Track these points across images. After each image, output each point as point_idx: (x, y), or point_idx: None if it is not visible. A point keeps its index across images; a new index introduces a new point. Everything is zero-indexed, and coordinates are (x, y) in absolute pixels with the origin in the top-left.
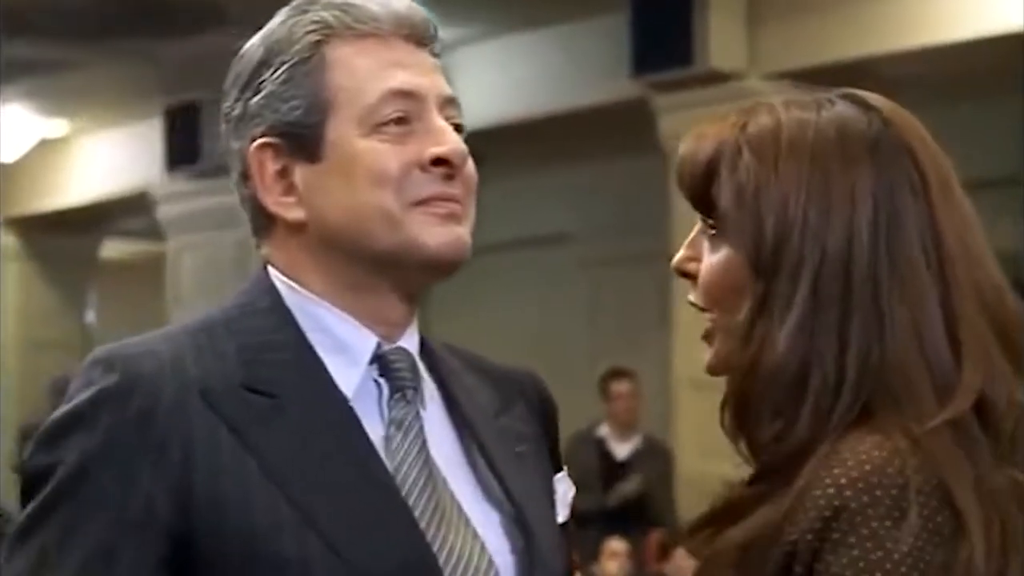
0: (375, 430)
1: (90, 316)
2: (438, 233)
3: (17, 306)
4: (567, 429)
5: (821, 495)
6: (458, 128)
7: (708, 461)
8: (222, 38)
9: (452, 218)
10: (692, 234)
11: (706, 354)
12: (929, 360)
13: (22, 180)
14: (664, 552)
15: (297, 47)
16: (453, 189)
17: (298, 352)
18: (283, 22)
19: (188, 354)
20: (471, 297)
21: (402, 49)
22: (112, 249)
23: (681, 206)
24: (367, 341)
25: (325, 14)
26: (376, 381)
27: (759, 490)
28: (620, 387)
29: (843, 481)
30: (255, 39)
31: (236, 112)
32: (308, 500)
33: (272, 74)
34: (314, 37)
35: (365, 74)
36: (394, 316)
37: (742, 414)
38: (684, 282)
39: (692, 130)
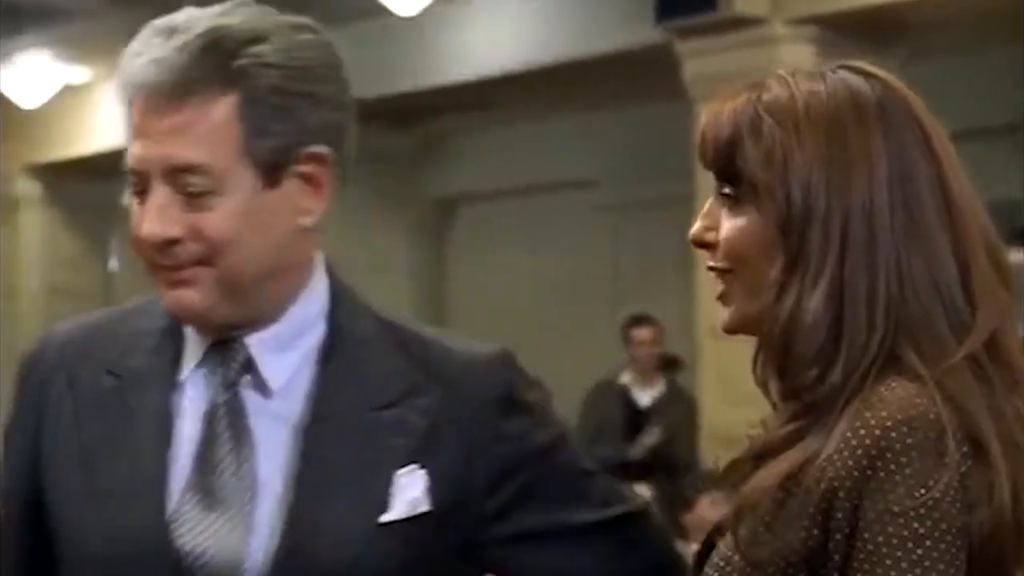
0: (197, 416)
1: (113, 263)
2: (169, 296)
3: (40, 253)
4: (588, 375)
5: (867, 435)
6: (199, 195)
7: (731, 408)
8: None
9: (178, 284)
10: (707, 205)
11: (721, 313)
12: (945, 303)
13: (45, 127)
14: (687, 504)
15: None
16: (164, 261)
17: (162, 340)
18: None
19: (96, 334)
20: (492, 242)
21: (147, 112)
22: None
23: None
24: (203, 338)
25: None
26: (208, 370)
27: (795, 428)
28: (642, 333)
29: (888, 423)
30: None
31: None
32: (96, 485)
33: None
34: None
35: (127, 139)
36: (203, 335)
37: (783, 363)
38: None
39: (708, 107)
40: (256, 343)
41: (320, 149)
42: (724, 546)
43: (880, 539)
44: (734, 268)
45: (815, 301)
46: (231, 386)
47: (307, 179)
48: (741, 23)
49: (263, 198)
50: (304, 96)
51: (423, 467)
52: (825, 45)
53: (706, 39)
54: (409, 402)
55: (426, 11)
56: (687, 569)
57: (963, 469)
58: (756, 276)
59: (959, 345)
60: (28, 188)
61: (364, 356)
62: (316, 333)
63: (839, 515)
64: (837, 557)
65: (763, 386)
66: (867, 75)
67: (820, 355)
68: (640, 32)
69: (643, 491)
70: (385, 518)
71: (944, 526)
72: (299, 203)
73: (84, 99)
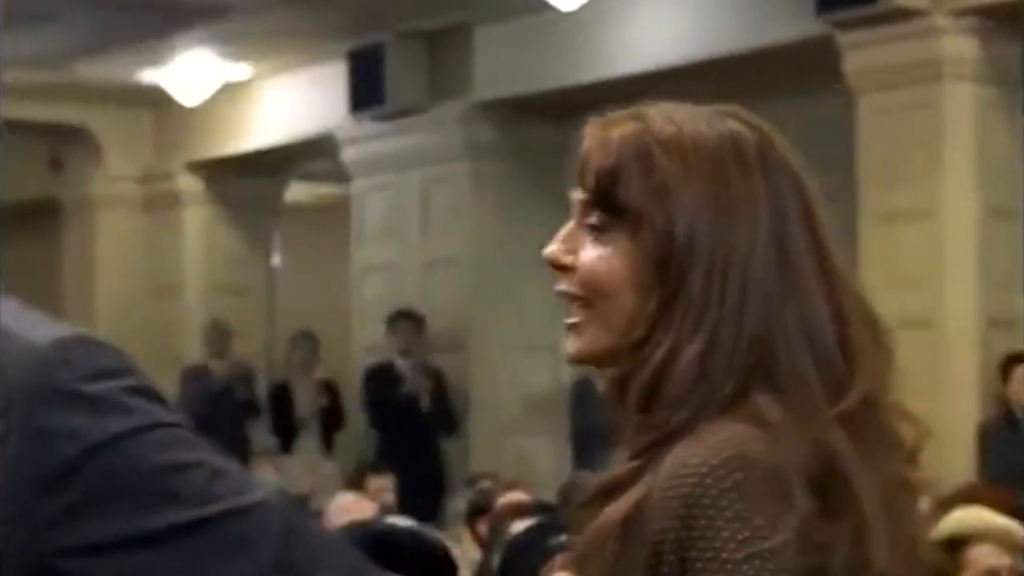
0: None
1: (275, 259)
2: None
3: (202, 250)
4: None
5: (682, 484)
6: None
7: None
8: None
9: None
10: (567, 228)
11: (571, 343)
12: (817, 356)
13: (206, 124)
14: None
15: None
16: None
17: None
18: None
19: None
20: None
21: None
22: (296, 192)
23: (866, 144)
24: None
25: None
26: None
27: (638, 466)
28: None
29: (704, 470)
30: None
31: None
32: None
33: None
34: None
35: None
36: None
37: (648, 401)
38: (869, 222)
39: (590, 129)
40: None
41: None
42: None
43: None
44: (589, 298)
45: (694, 348)
46: None
47: None
48: (903, 15)
49: None
50: None
51: None
52: (987, 36)
53: (867, 31)
54: None
55: (586, 6)
56: (313, 566)
57: (809, 507)
58: (615, 308)
59: (832, 403)
60: (190, 185)
61: None
62: None
63: (665, 569)
64: None
65: (621, 416)
66: (750, 125)
67: (684, 396)
68: (801, 25)
69: None
70: None
71: (771, 566)
72: None
73: (245, 96)
